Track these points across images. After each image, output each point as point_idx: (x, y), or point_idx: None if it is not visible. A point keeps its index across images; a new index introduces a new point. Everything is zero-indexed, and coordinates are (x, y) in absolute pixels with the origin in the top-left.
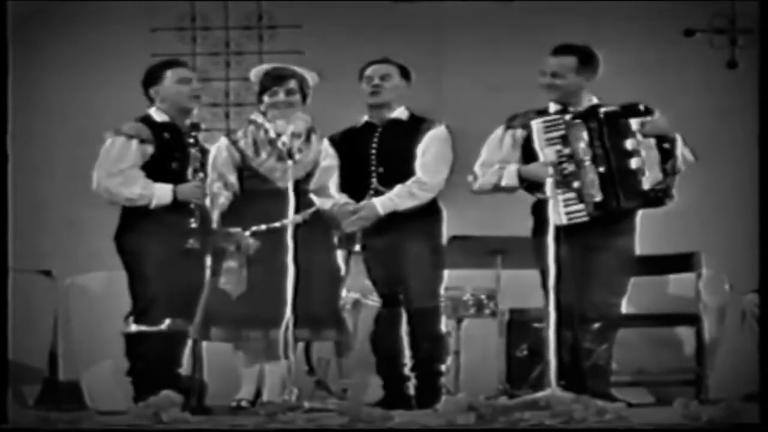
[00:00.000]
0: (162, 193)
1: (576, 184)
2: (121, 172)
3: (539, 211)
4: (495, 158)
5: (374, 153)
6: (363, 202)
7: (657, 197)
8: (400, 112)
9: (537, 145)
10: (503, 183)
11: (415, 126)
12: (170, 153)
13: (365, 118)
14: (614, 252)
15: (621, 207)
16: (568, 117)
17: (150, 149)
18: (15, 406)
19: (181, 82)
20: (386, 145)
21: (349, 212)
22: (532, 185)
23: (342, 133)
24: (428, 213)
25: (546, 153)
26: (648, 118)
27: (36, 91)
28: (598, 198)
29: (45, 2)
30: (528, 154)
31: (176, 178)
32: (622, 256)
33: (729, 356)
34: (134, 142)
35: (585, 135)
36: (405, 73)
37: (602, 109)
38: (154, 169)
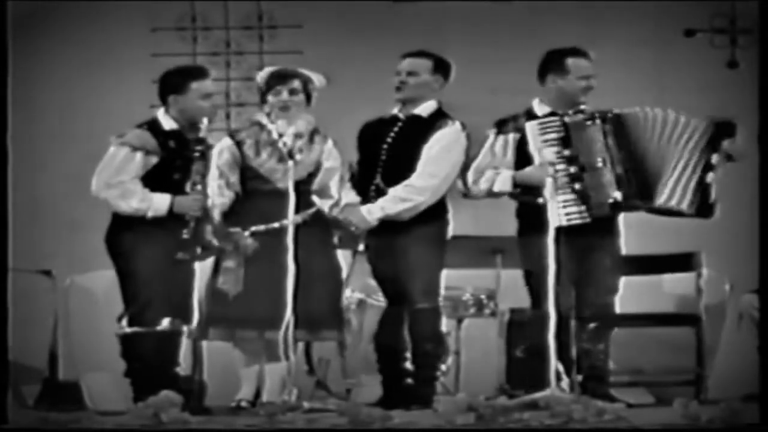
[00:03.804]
0: (159, 205)
1: (578, 186)
2: (120, 183)
3: (524, 213)
4: (487, 163)
5: (385, 149)
6: (352, 208)
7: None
8: (423, 108)
9: (532, 147)
10: (496, 189)
11: (430, 124)
12: (173, 163)
13: (395, 110)
14: (604, 252)
15: (659, 207)
16: (568, 119)
17: (154, 160)
18: (15, 406)
19: (204, 98)
20: (398, 142)
21: (342, 218)
22: (525, 190)
23: (368, 124)
24: (432, 214)
25: (544, 155)
26: (733, 140)
27: (36, 91)
28: (619, 197)
29: (45, 2)
30: (522, 157)
31: (176, 188)
32: (611, 256)
33: (729, 356)
34: (139, 155)
35: (600, 136)
36: (440, 68)
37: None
38: (155, 178)
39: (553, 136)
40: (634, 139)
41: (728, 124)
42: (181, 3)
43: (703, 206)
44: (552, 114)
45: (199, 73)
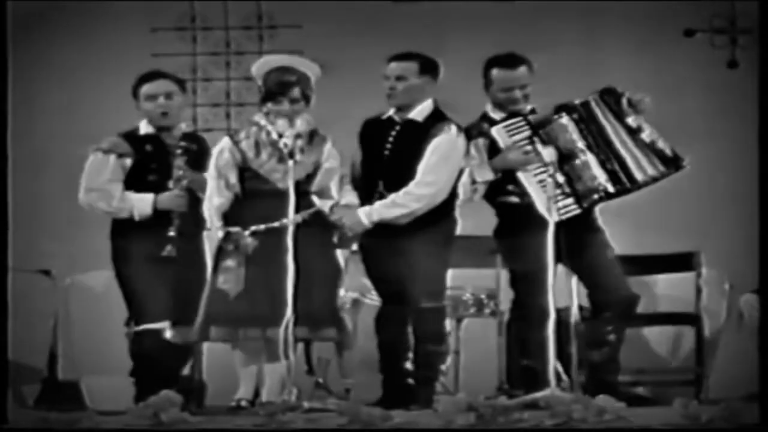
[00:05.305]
0: (142, 204)
1: (561, 179)
2: (98, 187)
3: (504, 213)
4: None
5: (386, 154)
6: (347, 210)
7: (674, 159)
8: (417, 112)
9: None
10: (479, 179)
11: (427, 129)
12: (148, 165)
13: (390, 112)
14: (601, 245)
15: (640, 184)
16: (532, 118)
17: (129, 162)
18: (15, 406)
19: (148, 99)
20: (398, 148)
21: (337, 219)
22: (505, 177)
23: (368, 122)
24: (440, 213)
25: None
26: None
27: (36, 91)
28: (611, 188)
29: (45, 2)
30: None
31: (155, 189)
32: (609, 247)
33: (729, 356)
34: (111, 158)
35: (572, 129)
36: (428, 68)
37: (590, 98)
38: (133, 181)
39: (523, 135)
40: (601, 127)
41: (607, 90)
42: (181, 3)
43: (668, 161)
44: (511, 116)
45: (149, 76)
